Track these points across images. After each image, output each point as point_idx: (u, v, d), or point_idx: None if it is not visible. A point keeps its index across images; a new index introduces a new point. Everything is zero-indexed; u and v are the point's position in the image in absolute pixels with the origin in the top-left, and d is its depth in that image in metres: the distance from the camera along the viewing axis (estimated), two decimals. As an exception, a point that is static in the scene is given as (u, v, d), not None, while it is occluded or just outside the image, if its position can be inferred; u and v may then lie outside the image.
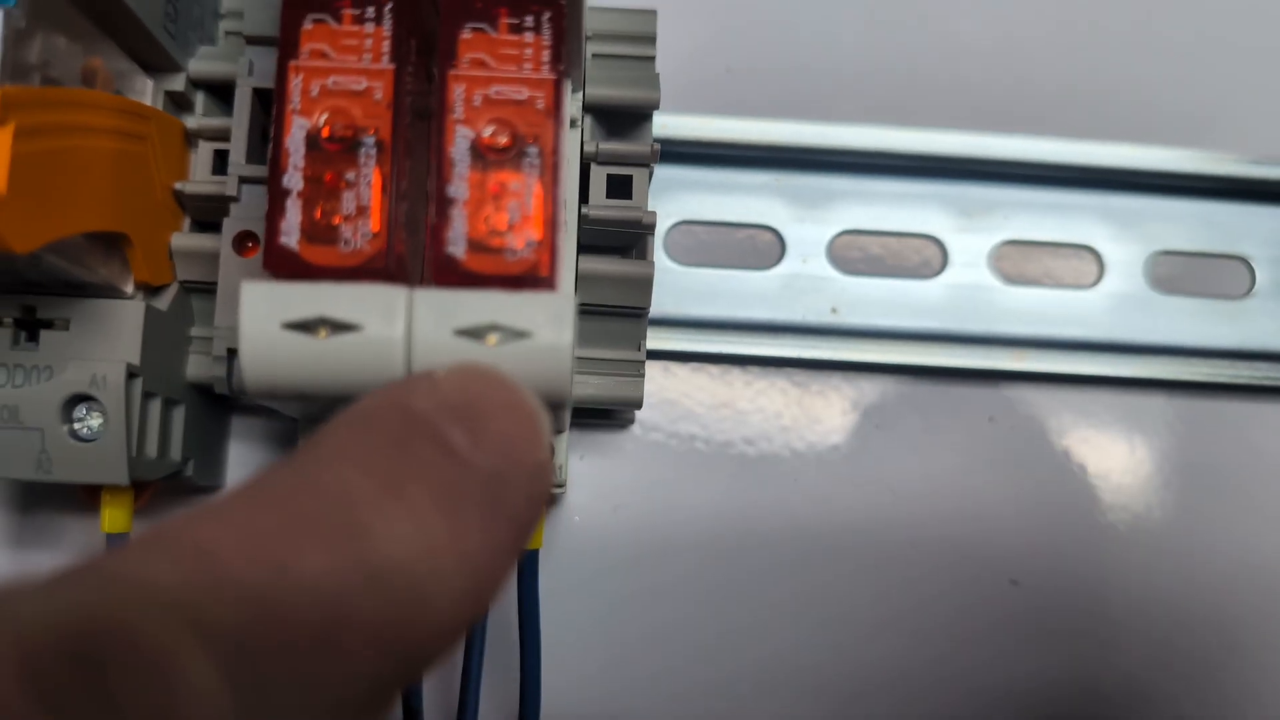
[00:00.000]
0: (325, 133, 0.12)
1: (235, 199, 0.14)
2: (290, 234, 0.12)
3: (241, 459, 0.17)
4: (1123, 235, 0.19)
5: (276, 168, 0.12)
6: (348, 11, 0.12)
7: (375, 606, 0.09)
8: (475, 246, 0.12)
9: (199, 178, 0.15)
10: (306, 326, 0.11)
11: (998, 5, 0.19)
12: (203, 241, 0.15)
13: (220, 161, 0.15)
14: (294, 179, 0.12)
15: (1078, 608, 0.18)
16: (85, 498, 0.16)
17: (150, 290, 0.15)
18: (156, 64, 0.15)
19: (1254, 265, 0.19)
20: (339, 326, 0.11)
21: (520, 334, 0.11)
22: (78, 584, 0.08)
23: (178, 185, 0.15)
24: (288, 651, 0.08)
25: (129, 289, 0.14)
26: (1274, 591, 0.18)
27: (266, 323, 0.11)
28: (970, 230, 0.19)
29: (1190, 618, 0.18)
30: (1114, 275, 0.19)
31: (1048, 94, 0.19)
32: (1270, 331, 0.19)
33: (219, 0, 0.16)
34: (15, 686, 0.07)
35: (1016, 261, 0.19)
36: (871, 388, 0.18)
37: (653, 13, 0.16)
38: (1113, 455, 0.18)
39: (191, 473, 0.16)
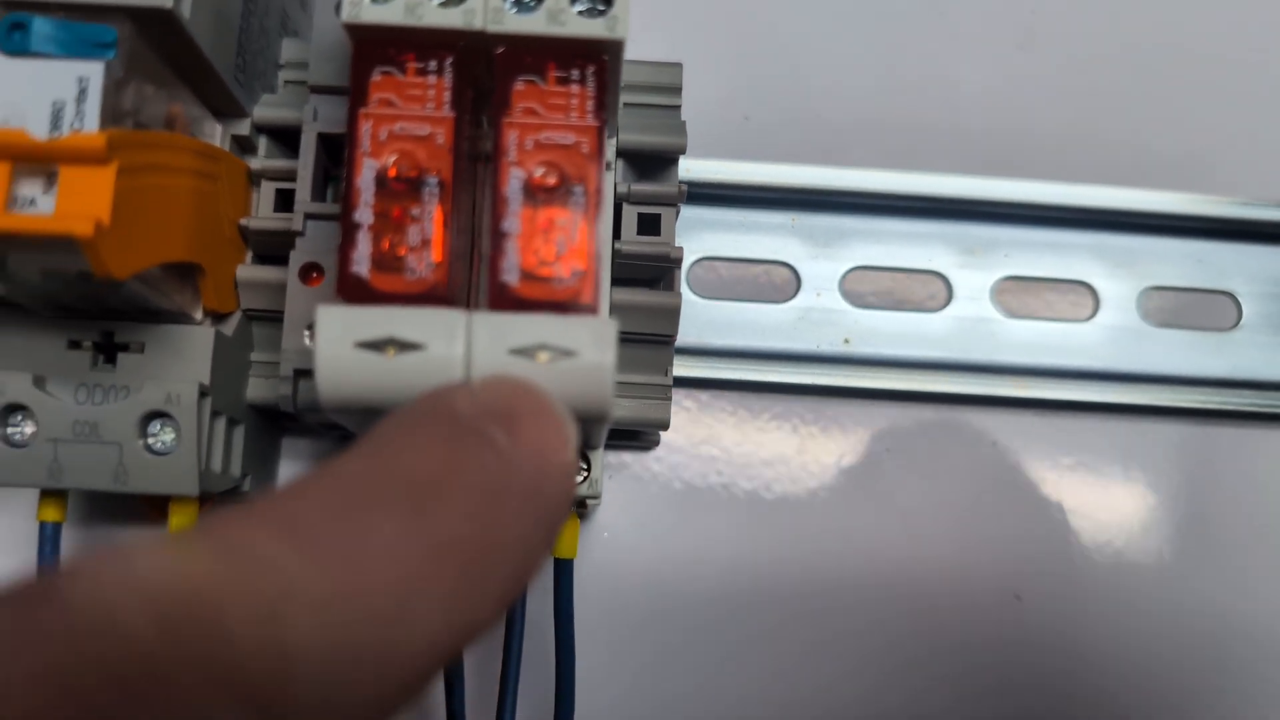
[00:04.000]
0: (392, 173, 0.13)
1: (301, 234, 0.15)
2: (361, 263, 0.13)
3: (291, 476, 0.18)
4: (1117, 272, 0.20)
5: (349, 204, 0.13)
6: (412, 65, 0.13)
7: (441, 574, 0.10)
8: (526, 275, 0.13)
9: (263, 214, 0.16)
10: (376, 346, 0.12)
11: (998, 57, 0.21)
12: (266, 273, 0.16)
13: (282, 199, 0.16)
14: (365, 214, 0.13)
15: (1079, 624, 0.19)
16: (149, 509, 0.17)
17: (217, 317, 0.16)
18: (226, 110, 0.16)
19: (1240, 300, 0.20)
20: (405, 346, 0.12)
21: (568, 353, 0.12)
22: (198, 547, 0.09)
23: (243, 221, 0.16)
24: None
25: (199, 316, 0.15)
26: (1264, 603, 0.19)
27: (340, 343, 0.12)
28: (973, 267, 0.20)
29: (1185, 631, 0.19)
30: (1109, 309, 0.20)
31: (1046, 140, 0.20)
32: (1257, 361, 0.20)
33: (279, 52, 0.17)
34: (150, 631, 0.08)
35: (1017, 295, 0.20)
36: (882, 413, 0.19)
37: (678, 66, 0.17)
38: (1109, 477, 0.19)
39: (248, 488, 0.17)
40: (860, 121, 0.20)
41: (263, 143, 0.16)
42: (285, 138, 0.17)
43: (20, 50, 0.13)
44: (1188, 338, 0.20)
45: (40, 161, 0.12)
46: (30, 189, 0.12)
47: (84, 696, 0.08)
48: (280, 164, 0.16)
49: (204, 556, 0.09)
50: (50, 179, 0.12)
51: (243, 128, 0.16)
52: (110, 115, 0.13)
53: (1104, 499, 0.19)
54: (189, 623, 0.08)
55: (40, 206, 0.12)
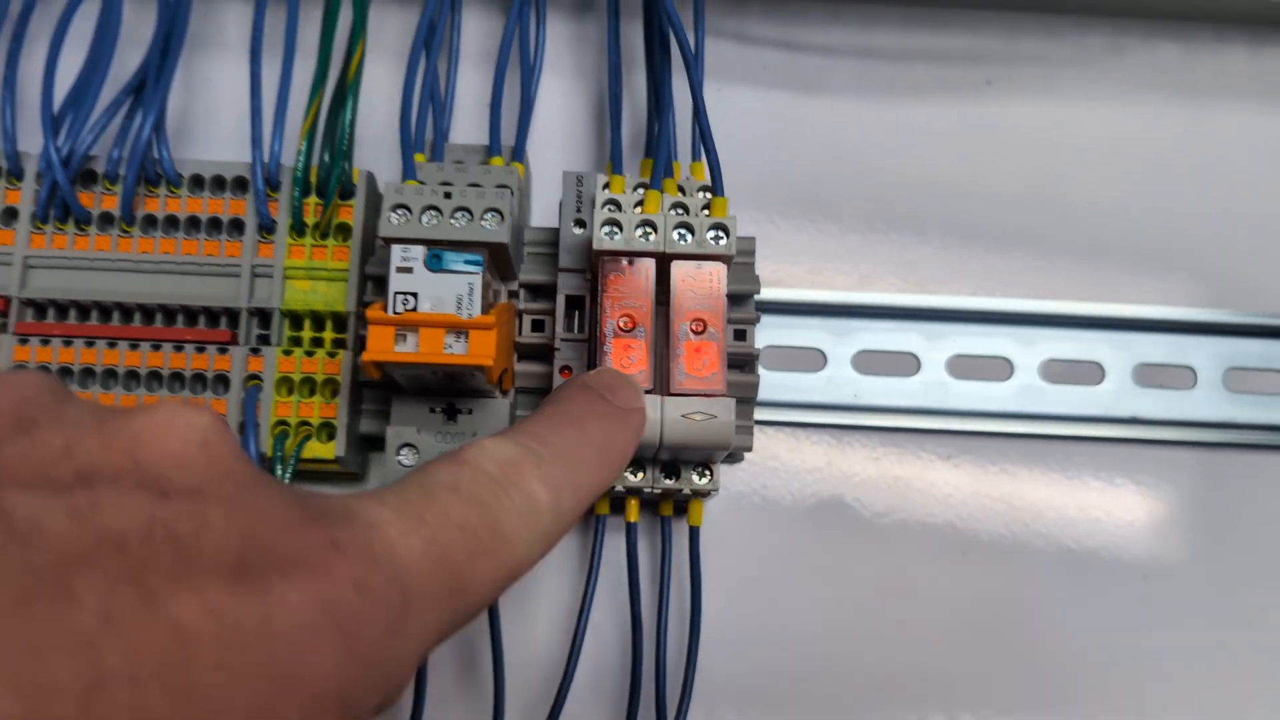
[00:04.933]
0: (621, 326, 0.26)
1: (556, 349, 0.28)
2: (607, 372, 0.25)
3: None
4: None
5: (599, 342, 0.25)
6: (627, 267, 0.26)
7: (592, 453, 0.22)
8: (690, 376, 0.25)
9: (525, 337, 0.29)
10: (617, 414, 0.25)
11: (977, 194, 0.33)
12: (533, 368, 0.28)
13: (535, 327, 0.29)
14: (608, 348, 0.25)
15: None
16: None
17: (504, 393, 0.28)
18: (506, 277, 0.29)
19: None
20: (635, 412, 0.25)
21: (711, 416, 0.25)
22: (508, 439, 0.21)
23: (518, 340, 0.28)
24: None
25: (497, 394, 0.28)
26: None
27: (600, 412, 0.25)
28: (933, 349, 0.32)
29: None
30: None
31: (989, 261, 0.33)
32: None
33: (523, 237, 0.30)
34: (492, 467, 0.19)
35: (961, 368, 0.32)
36: (877, 439, 0.32)
37: (753, 239, 0.30)
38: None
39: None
40: (865, 261, 0.33)
41: (522, 293, 0.29)
42: (535, 289, 0.29)
43: (439, 269, 0.25)
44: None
45: (462, 328, 0.24)
46: (452, 340, 0.25)
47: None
48: (534, 306, 0.29)
49: (510, 444, 0.20)
50: (461, 335, 0.25)
51: (513, 285, 0.29)
52: (484, 300, 0.25)
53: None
54: (510, 465, 0.19)
55: (455, 349, 0.25)
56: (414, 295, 0.24)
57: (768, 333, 0.32)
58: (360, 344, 0.28)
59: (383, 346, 0.24)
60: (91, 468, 0.13)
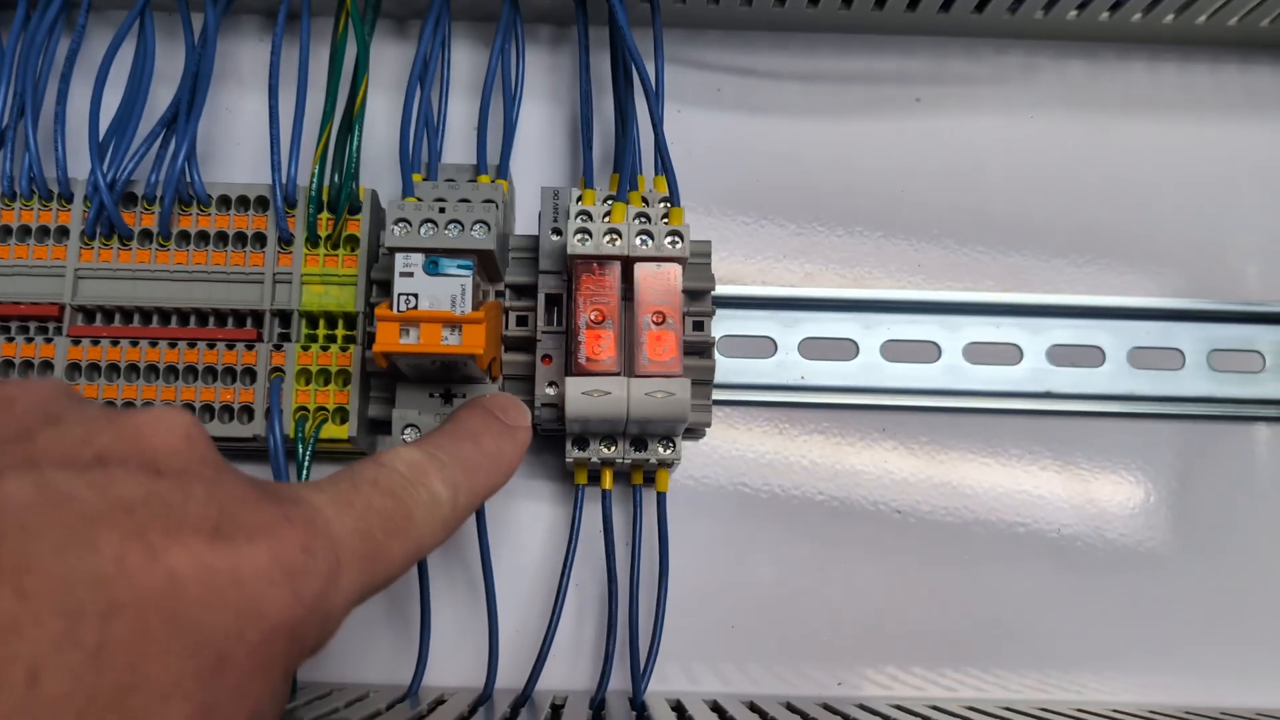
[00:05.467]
0: (592, 319, 0.30)
1: (539, 340, 0.32)
2: (581, 358, 0.30)
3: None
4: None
5: (574, 332, 0.30)
6: (598, 268, 0.30)
7: (485, 462, 0.26)
8: (652, 361, 0.30)
9: (511, 330, 0.33)
10: (590, 393, 0.29)
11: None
12: (516, 357, 0.33)
13: (519, 321, 0.33)
14: (581, 337, 0.30)
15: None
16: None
17: (493, 380, 0.33)
18: (494, 279, 0.33)
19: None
20: (602, 393, 0.29)
21: (670, 393, 0.30)
22: (416, 449, 0.26)
23: (505, 333, 0.33)
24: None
25: (487, 380, 0.32)
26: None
27: (575, 391, 0.29)
28: (869, 335, 0.37)
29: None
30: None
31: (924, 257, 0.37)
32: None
33: (508, 243, 0.34)
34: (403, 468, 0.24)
35: (894, 351, 0.37)
36: (822, 415, 0.36)
37: (708, 241, 0.34)
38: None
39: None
40: (819, 257, 0.37)
41: (508, 293, 0.34)
42: (519, 289, 0.34)
43: (436, 272, 0.29)
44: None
45: (456, 323, 0.29)
46: (448, 333, 0.29)
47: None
48: (518, 303, 0.33)
49: (419, 451, 0.24)
50: (455, 329, 0.29)
51: (500, 286, 0.33)
52: (474, 299, 0.30)
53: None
54: (418, 467, 0.24)
55: (451, 340, 0.29)
56: (415, 296, 0.29)
57: (724, 324, 0.36)
58: (369, 339, 0.32)
59: (390, 339, 0.28)
60: (105, 452, 0.16)
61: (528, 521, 0.35)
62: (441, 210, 0.30)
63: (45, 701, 0.13)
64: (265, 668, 0.16)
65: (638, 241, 0.30)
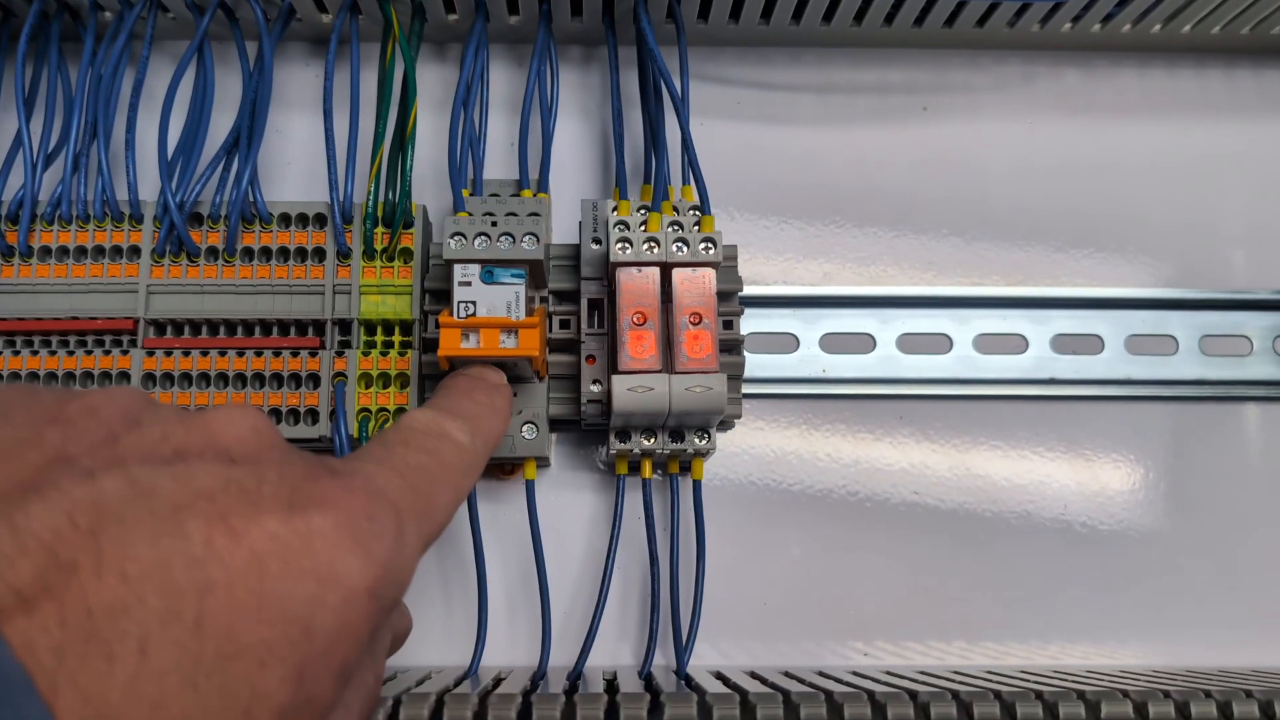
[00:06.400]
0: (635, 320, 0.33)
1: (582, 342, 0.35)
2: (625, 357, 0.32)
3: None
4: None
5: (617, 332, 0.32)
6: (638, 274, 0.33)
7: (482, 413, 0.28)
8: (690, 358, 0.32)
9: (554, 333, 0.36)
10: (634, 389, 0.32)
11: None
12: (562, 358, 0.35)
13: (562, 324, 0.36)
14: (625, 338, 0.32)
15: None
16: (501, 472, 0.36)
17: (540, 379, 0.35)
18: (539, 285, 0.35)
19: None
20: (646, 388, 0.32)
21: (709, 388, 0.32)
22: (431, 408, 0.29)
23: (549, 335, 0.35)
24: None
25: (535, 380, 0.35)
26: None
27: (621, 387, 0.32)
28: (886, 329, 0.39)
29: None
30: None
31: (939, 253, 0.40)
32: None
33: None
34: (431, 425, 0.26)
35: (909, 344, 0.39)
36: (843, 405, 0.39)
37: (734, 246, 0.37)
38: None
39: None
40: (835, 257, 0.40)
41: (550, 298, 0.36)
42: (560, 294, 0.36)
43: (491, 281, 0.32)
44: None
45: (512, 327, 0.31)
46: (505, 337, 0.31)
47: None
48: (560, 308, 0.36)
49: (429, 411, 0.26)
50: (512, 333, 0.31)
51: (544, 293, 0.36)
52: (527, 305, 0.32)
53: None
54: (434, 422, 0.26)
55: (508, 344, 0.31)
56: (473, 303, 0.31)
57: (750, 322, 0.39)
58: (425, 345, 0.35)
59: (453, 344, 0.31)
60: (183, 448, 0.18)
61: (573, 509, 0.38)
62: (494, 224, 0.32)
63: (156, 670, 0.15)
64: (350, 628, 0.18)
65: (674, 248, 0.33)
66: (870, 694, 0.28)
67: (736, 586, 0.37)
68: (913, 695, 0.28)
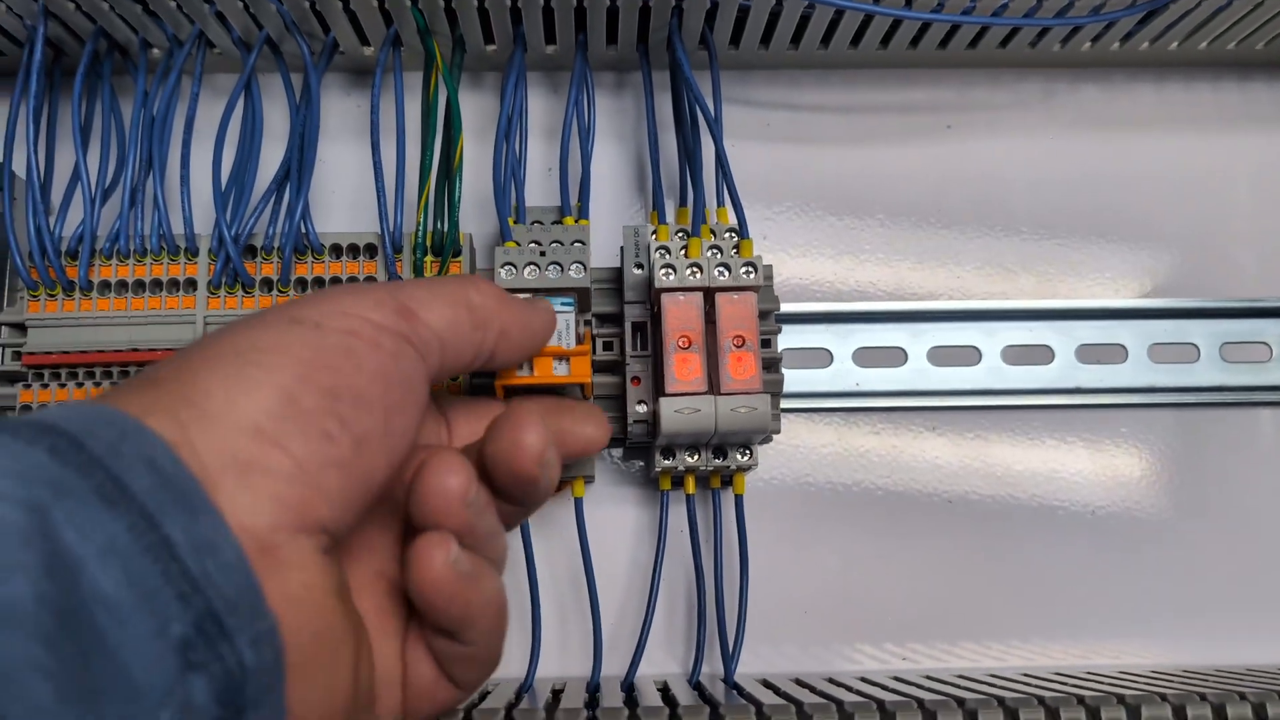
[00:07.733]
0: (680, 344, 0.34)
1: (627, 364, 0.36)
2: (671, 380, 0.33)
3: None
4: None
5: (662, 355, 0.34)
6: (683, 298, 0.34)
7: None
8: (735, 380, 0.34)
9: (599, 355, 0.37)
10: (681, 410, 0.33)
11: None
12: (606, 379, 0.36)
13: (605, 346, 0.37)
14: (670, 361, 0.34)
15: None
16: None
17: (587, 399, 0.36)
18: (584, 309, 0.37)
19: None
20: (693, 410, 0.33)
21: (754, 408, 0.33)
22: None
23: (594, 357, 0.36)
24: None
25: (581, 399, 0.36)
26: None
27: (669, 409, 0.33)
28: (916, 343, 0.41)
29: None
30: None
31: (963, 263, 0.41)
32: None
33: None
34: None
35: (939, 356, 0.41)
36: (876, 417, 0.40)
37: (770, 266, 0.38)
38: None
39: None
40: (866, 282, 0.41)
41: (594, 321, 0.37)
42: (602, 317, 0.37)
43: (541, 310, 0.33)
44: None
45: (565, 355, 0.32)
46: (558, 365, 0.33)
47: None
48: (603, 330, 0.37)
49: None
50: (564, 361, 0.33)
51: (588, 316, 0.37)
52: (575, 332, 0.33)
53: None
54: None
55: (560, 371, 0.33)
56: (526, 332, 0.32)
57: (785, 339, 0.40)
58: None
59: (509, 373, 0.32)
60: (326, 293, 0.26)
61: (617, 523, 0.39)
62: (542, 253, 0.33)
63: (326, 340, 0.24)
64: (383, 354, 0.24)
65: (717, 273, 0.34)
66: (920, 702, 0.29)
67: (776, 594, 0.39)
68: (960, 702, 0.29)
